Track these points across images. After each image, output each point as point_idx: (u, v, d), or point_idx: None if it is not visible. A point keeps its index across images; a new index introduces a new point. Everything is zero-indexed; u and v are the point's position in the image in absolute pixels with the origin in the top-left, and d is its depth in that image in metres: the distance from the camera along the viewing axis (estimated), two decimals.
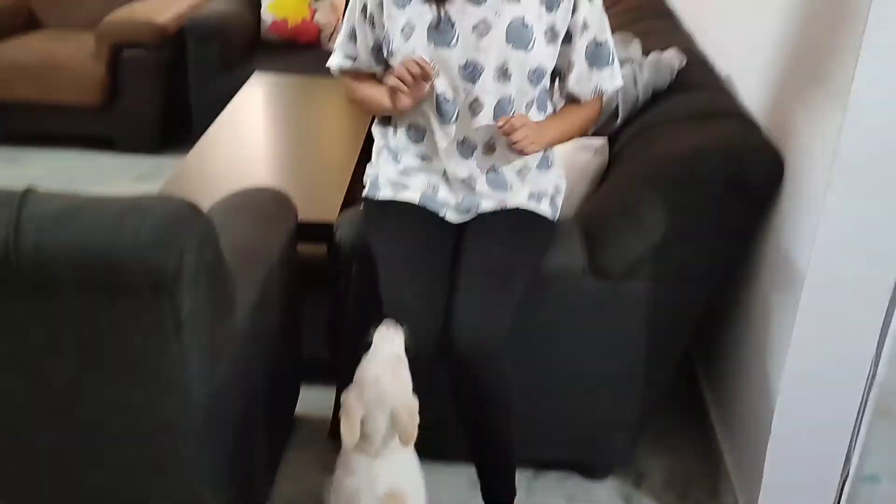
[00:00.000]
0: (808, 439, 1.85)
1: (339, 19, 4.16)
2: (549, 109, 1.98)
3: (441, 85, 1.86)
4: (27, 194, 1.40)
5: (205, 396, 1.55)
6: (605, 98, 2.01)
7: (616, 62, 1.93)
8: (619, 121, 2.31)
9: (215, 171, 2.69)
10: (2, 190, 1.41)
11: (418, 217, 1.95)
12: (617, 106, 2.30)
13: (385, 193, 1.98)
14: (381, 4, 1.87)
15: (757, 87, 2.10)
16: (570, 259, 1.95)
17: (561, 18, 1.84)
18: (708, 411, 2.32)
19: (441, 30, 1.83)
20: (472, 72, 1.84)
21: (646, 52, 2.41)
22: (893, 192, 1.60)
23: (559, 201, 2.04)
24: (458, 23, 1.82)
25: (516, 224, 1.94)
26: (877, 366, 1.74)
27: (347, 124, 3.04)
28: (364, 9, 1.91)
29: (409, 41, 1.84)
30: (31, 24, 4.31)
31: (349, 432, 1.56)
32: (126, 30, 3.84)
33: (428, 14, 1.83)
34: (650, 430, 2.22)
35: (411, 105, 1.84)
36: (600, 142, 2.24)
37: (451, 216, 1.97)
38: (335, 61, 2.02)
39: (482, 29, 1.82)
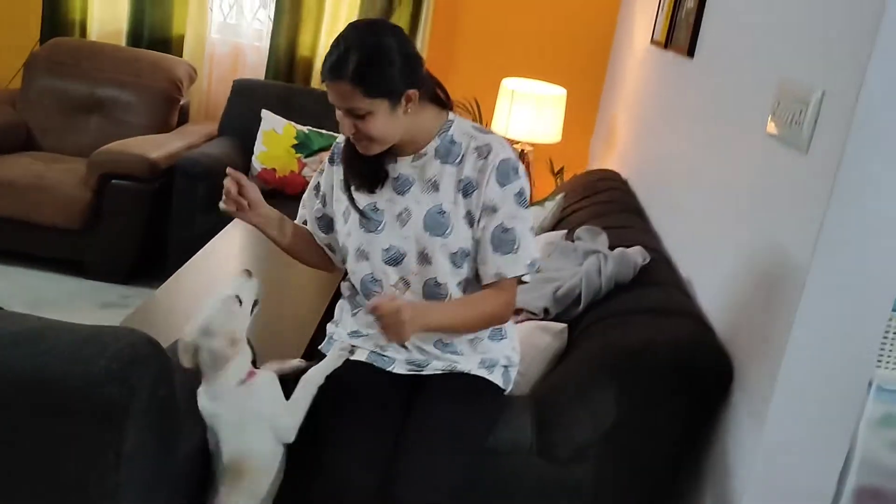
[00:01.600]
0: None
1: None
2: None
3: (368, 267, 1.96)
4: None
5: None
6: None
7: (523, 251, 1.89)
8: (580, 307, 2.38)
9: (182, 308, 2.70)
10: None
11: (369, 370, 1.98)
12: (580, 293, 2.38)
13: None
14: (332, 187, 2.03)
15: (714, 291, 2.20)
16: (518, 436, 1.97)
17: (475, 203, 1.90)
18: None
19: (370, 217, 1.95)
20: (394, 255, 1.94)
21: (612, 246, 2.52)
22: (833, 406, 1.66)
23: (512, 373, 2.07)
24: (385, 211, 1.94)
25: (467, 391, 1.96)
26: None
27: (317, 280, 3.09)
28: (317, 186, 2.08)
29: (346, 224, 1.99)
30: (27, 145, 4.42)
31: (184, 362, 1.76)
32: (118, 161, 3.94)
33: (362, 201, 1.96)
34: None
35: (247, 219, 1.97)
36: (560, 326, 2.30)
37: (401, 369, 1.99)
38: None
39: (405, 217, 1.92)
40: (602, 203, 3.20)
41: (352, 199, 1.97)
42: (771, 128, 1.92)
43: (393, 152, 1.93)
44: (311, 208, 2.11)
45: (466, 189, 1.90)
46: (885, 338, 1.63)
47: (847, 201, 1.58)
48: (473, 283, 1.96)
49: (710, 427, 2.01)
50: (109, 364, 1.38)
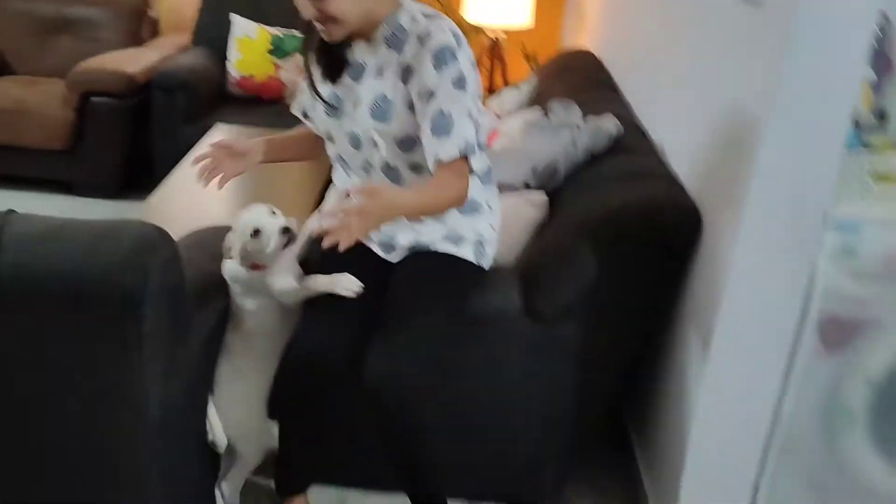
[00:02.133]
0: (718, 477, 2.00)
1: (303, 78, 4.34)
2: None
3: (335, 149, 2.10)
4: (9, 215, 1.52)
5: (159, 409, 1.66)
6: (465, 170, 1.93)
7: (455, 136, 1.86)
8: (559, 180, 2.49)
9: (177, 213, 2.81)
10: None
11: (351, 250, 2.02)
12: (557, 168, 2.49)
13: None
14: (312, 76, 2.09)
15: (684, 153, 2.30)
16: (505, 302, 2.10)
17: (414, 89, 1.91)
18: (635, 457, 2.46)
19: (333, 105, 2.04)
20: (354, 140, 2.03)
21: (584, 116, 2.61)
22: (794, 241, 1.78)
23: (488, 250, 2.13)
24: (344, 98, 2.02)
25: (438, 266, 2.04)
26: (780, 405, 1.91)
27: (306, 175, 3.19)
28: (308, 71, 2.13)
29: (316, 111, 2.10)
30: (2, 69, 4.43)
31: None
32: (96, 78, 3.98)
33: (325, 91, 2.05)
34: (581, 471, 2.35)
35: (250, 165, 2.09)
36: (542, 198, 2.41)
37: (373, 246, 2.09)
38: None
39: (356, 103, 2.00)
40: (575, 81, 3.27)
41: (314, 89, 2.04)
42: None
43: (349, 40, 1.98)
44: (301, 98, 2.19)
45: (405, 75, 1.92)
46: (841, 176, 1.75)
47: (801, 48, 1.65)
48: (426, 167, 1.96)
49: (685, 277, 2.14)
50: (126, 253, 1.49)
